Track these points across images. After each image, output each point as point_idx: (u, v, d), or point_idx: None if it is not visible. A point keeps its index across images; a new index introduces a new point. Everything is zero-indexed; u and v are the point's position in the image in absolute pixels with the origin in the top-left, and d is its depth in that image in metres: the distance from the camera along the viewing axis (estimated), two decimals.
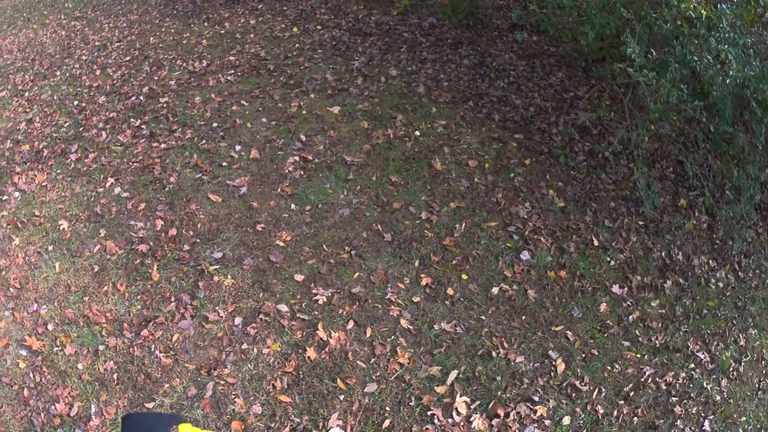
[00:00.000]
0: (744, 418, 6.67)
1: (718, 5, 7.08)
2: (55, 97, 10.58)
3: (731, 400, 6.75)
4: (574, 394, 6.11)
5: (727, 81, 6.87)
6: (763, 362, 7.41)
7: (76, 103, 10.20)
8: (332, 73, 10.25)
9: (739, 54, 7.16)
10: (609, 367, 6.50)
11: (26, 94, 11.00)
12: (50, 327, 6.39)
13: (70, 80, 11.20)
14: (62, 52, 12.89)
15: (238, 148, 8.51)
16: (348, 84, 9.96)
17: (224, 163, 8.27)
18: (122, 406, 5.75)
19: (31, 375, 6.01)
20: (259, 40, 11.64)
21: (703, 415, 6.46)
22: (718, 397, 6.68)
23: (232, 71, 10.45)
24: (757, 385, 7.12)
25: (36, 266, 7.07)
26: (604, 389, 6.24)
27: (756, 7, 7.49)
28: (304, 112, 9.23)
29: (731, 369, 7.06)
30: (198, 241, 7.19)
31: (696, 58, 7.04)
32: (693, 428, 6.29)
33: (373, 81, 10.08)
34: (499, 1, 13.75)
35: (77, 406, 5.77)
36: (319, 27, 12.07)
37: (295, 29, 11.96)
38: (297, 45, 11.33)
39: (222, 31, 12.16)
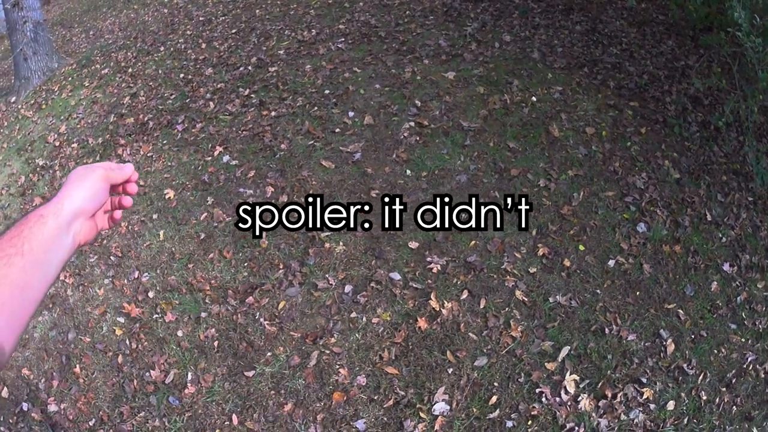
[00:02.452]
0: None
1: None
2: (160, 71, 10.67)
3: None
4: (680, 378, 5.83)
5: None
6: None
7: (182, 75, 10.27)
8: (445, 39, 10.04)
9: None
10: (716, 351, 6.17)
11: (129, 70, 11.15)
12: (151, 294, 6.39)
13: (174, 54, 11.31)
14: (165, 28, 13.07)
15: (351, 114, 8.34)
16: (462, 50, 9.74)
17: (337, 130, 8.13)
18: (221, 374, 5.74)
19: (127, 342, 6.04)
20: (369, 8, 11.51)
21: None
22: None
23: (342, 39, 10.33)
24: None
25: (139, 235, 7.09)
26: (709, 374, 5.92)
27: None
28: (418, 77, 9.05)
29: None
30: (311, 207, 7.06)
31: None
32: None
33: (486, 46, 9.85)
34: None
35: (173, 374, 5.78)
36: None
37: None
38: (407, 12, 11.17)
39: (329, 1, 12.09)
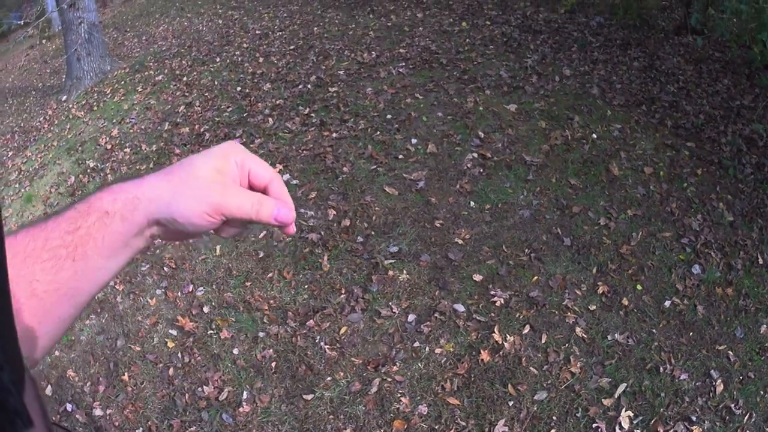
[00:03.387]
0: None
1: None
2: (216, 83, 10.76)
3: None
4: (727, 417, 5.85)
5: None
6: None
7: (239, 89, 10.34)
8: (506, 70, 10.14)
9: None
10: (762, 392, 6.17)
11: (184, 78, 11.27)
12: (206, 309, 6.47)
13: (231, 66, 11.41)
14: (221, 39, 13.22)
15: (414, 141, 8.42)
16: (523, 82, 9.83)
17: (400, 156, 8.19)
18: (278, 395, 5.76)
19: (179, 355, 6.10)
20: (428, 34, 11.61)
21: None
22: None
23: (403, 63, 10.41)
24: None
25: (194, 247, 7.18)
26: (755, 414, 5.94)
27: None
28: (480, 108, 9.10)
29: None
30: (372, 233, 7.14)
31: None
32: None
33: (547, 80, 9.94)
34: (663, 2, 13.69)
35: (227, 391, 5.81)
36: (488, 23, 12.05)
37: (464, 24, 11.93)
38: (467, 40, 11.27)
39: (388, 24, 12.23)
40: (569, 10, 12.54)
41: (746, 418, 5.77)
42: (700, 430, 5.59)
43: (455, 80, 9.79)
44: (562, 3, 12.56)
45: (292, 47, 11.75)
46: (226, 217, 1.13)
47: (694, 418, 5.65)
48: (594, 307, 6.44)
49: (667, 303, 6.66)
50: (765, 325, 6.66)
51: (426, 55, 10.65)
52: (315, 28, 12.64)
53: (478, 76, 9.87)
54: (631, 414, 5.57)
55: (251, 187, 1.20)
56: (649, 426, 5.53)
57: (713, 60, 11.13)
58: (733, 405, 5.83)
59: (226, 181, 1.13)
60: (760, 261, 7.31)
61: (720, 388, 5.96)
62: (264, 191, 1.21)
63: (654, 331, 6.36)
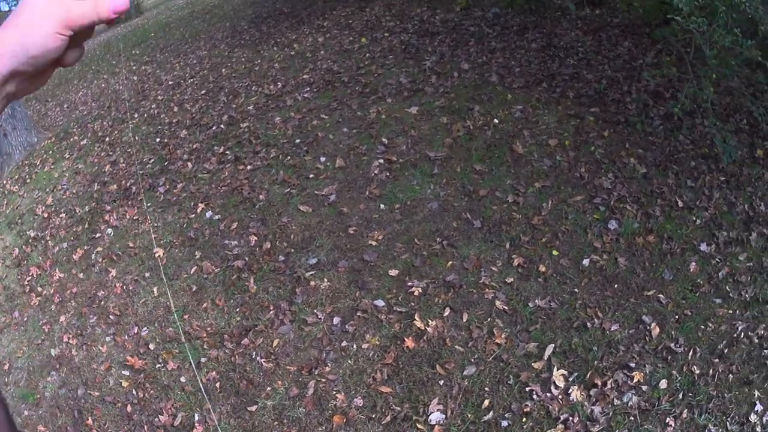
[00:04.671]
0: None
1: None
2: (136, 138, 10.95)
3: None
4: (669, 357, 6.08)
5: None
6: None
7: (158, 140, 10.59)
8: (406, 76, 10.40)
9: None
10: (702, 327, 6.42)
11: (107, 139, 11.48)
12: (152, 346, 6.67)
13: (148, 120, 11.64)
14: (137, 95, 13.41)
15: (323, 159, 8.68)
16: (422, 84, 10.09)
17: (311, 176, 8.47)
18: (226, 412, 5.98)
19: (134, 392, 6.29)
20: (330, 56, 11.88)
21: None
22: None
23: (308, 88, 10.67)
24: None
25: (134, 293, 7.38)
26: (698, 349, 6.17)
27: None
28: (383, 116, 9.39)
29: None
30: (292, 250, 7.37)
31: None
32: None
33: (446, 77, 10.19)
34: None
35: (180, 416, 6.03)
36: (386, 34, 12.29)
37: (363, 40, 12.19)
38: (367, 54, 11.54)
39: (292, 53, 12.49)
40: (465, 7, 12.75)
41: (690, 354, 6.02)
42: (642, 374, 5.80)
43: (357, 95, 10.09)
44: (457, 1, 12.78)
45: (203, 92, 12.03)
46: (73, 31, 1.13)
47: (632, 365, 5.87)
48: (511, 280, 6.68)
49: (586, 262, 6.92)
50: (694, 263, 6.92)
51: (328, 76, 10.94)
52: (223, 70, 12.92)
53: (379, 86, 10.18)
54: (565, 372, 5.78)
55: None
56: (586, 380, 5.73)
57: (612, 26, 11.40)
58: (672, 344, 6.07)
59: None
60: (680, 204, 7.60)
61: (656, 331, 6.20)
62: None
63: (576, 290, 6.61)
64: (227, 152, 9.41)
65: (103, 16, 1.14)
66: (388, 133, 8.96)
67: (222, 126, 10.25)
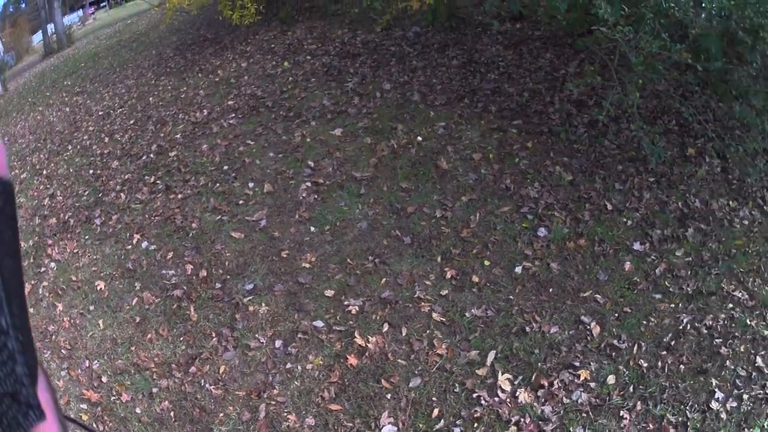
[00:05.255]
0: None
1: None
2: (71, 170, 11.02)
3: None
4: (614, 354, 6.25)
5: (702, 15, 7.10)
6: None
7: (91, 171, 10.63)
8: (329, 98, 10.53)
9: None
10: (644, 322, 6.61)
11: (44, 171, 11.50)
12: (104, 379, 6.69)
13: (81, 151, 11.68)
14: (70, 127, 13.42)
15: (251, 185, 8.84)
16: (345, 106, 10.24)
17: (240, 202, 8.58)
18: None
19: (94, 425, 6.27)
20: (254, 81, 11.97)
21: (753, 352, 6.51)
22: (766, 332, 6.75)
23: (233, 114, 10.79)
24: None
25: (81, 327, 7.41)
26: (643, 343, 6.36)
27: None
28: (308, 140, 9.51)
29: None
30: (228, 277, 7.44)
31: (672, 4, 7.15)
32: (745, 366, 6.35)
33: (369, 98, 10.36)
34: None
35: None
36: (308, 57, 12.39)
37: (286, 64, 12.27)
38: (290, 78, 11.64)
39: (216, 79, 12.56)
40: (385, 27, 12.83)
41: (635, 349, 6.23)
42: (588, 372, 5.99)
43: (282, 119, 10.24)
44: (378, 22, 12.86)
45: (132, 121, 12.07)
46: None
47: (577, 364, 6.06)
48: (446, 292, 6.85)
49: (519, 269, 7.11)
50: (629, 262, 7.17)
51: (253, 101, 11.06)
52: (151, 98, 12.94)
53: (303, 110, 10.32)
54: (510, 376, 5.95)
55: None
56: (532, 382, 5.91)
57: (534, 39, 11.57)
58: (615, 341, 6.29)
59: None
60: (609, 207, 7.86)
61: (596, 330, 6.41)
62: None
63: (511, 297, 6.79)
64: (158, 182, 9.48)
65: None
66: (314, 156, 9.12)
67: (152, 155, 10.32)
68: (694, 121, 8.32)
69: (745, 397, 5.99)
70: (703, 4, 7.01)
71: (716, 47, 7.43)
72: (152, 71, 15.07)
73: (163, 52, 16.81)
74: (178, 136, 10.68)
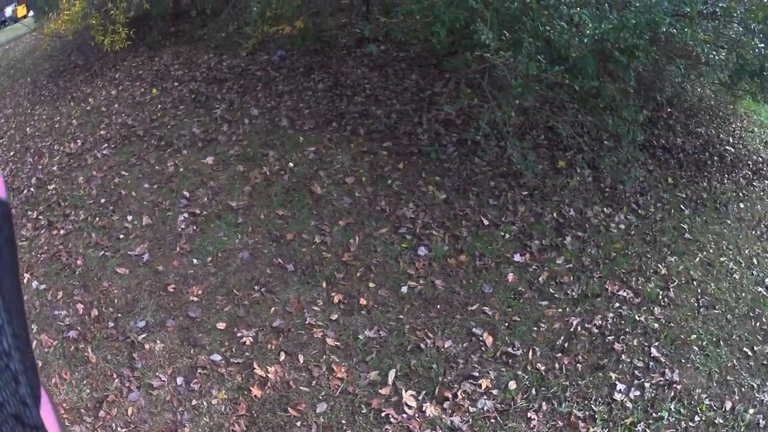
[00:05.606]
0: (694, 336, 7.31)
1: None
2: None
3: (672, 324, 7.39)
4: (510, 360, 6.66)
5: (585, 41, 7.35)
6: (694, 283, 8.12)
7: None
8: (198, 126, 10.61)
9: (594, 12, 7.61)
10: (535, 328, 7.08)
11: None
12: None
13: None
14: None
15: (130, 218, 8.78)
16: (215, 133, 10.34)
17: (121, 236, 8.50)
18: None
19: None
20: (124, 109, 11.87)
21: (646, 344, 7.07)
22: (656, 325, 7.31)
23: (106, 145, 10.71)
24: (696, 304, 7.80)
25: None
26: (537, 348, 6.82)
27: None
28: (181, 169, 9.58)
29: (660, 297, 7.72)
30: (120, 315, 7.35)
31: (549, 28, 7.51)
32: (641, 358, 6.89)
33: (237, 125, 10.47)
34: (342, 20, 14.10)
35: None
36: (176, 83, 12.36)
37: (154, 91, 12.23)
38: (159, 106, 11.62)
39: (88, 108, 12.43)
40: (251, 51, 12.89)
41: (530, 354, 6.70)
42: (488, 380, 6.40)
43: (154, 149, 10.24)
44: (243, 46, 12.90)
45: (12, 153, 11.94)
46: None
47: (476, 374, 6.46)
48: (336, 316, 7.10)
49: (404, 289, 7.44)
50: (511, 273, 7.64)
51: (124, 131, 11.00)
52: (28, 129, 12.79)
53: (174, 138, 10.37)
54: (414, 392, 6.27)
55: None
56: (436, 396, 6.25)
57: (398, 60, 11.92)
58: (510, 349, 6.72)
59: None
60: (486, 222, 8.28)
61: (489, 340, 6.83)
62: None
63: (401, 316, 7.11)
64: (40, 217, 9.37)
65: None
66: (189, 186, 9.18)
67: (32, 189, 10.20)
68: (565, 134, 8.80)
69: (647, 385, 6.51)
70: (587, 31, 7.35)
71: (593, 68, 7.83)
72: (28, 100, 14.86)
73: (37, 79, 16.50)
74: (55, 168, 10.56)
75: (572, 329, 7.13)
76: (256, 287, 7.58)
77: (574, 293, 7.60)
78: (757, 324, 7.90)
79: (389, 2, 9.79)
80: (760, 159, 12.43)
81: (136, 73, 13.49)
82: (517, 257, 8.00)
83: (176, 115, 11.16)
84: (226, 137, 10.20)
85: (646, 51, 8.16)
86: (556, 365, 6.70)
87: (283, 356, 6.74)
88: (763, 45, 8.77)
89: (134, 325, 7.24)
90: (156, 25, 15.13)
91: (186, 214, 8.70)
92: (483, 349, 6.81)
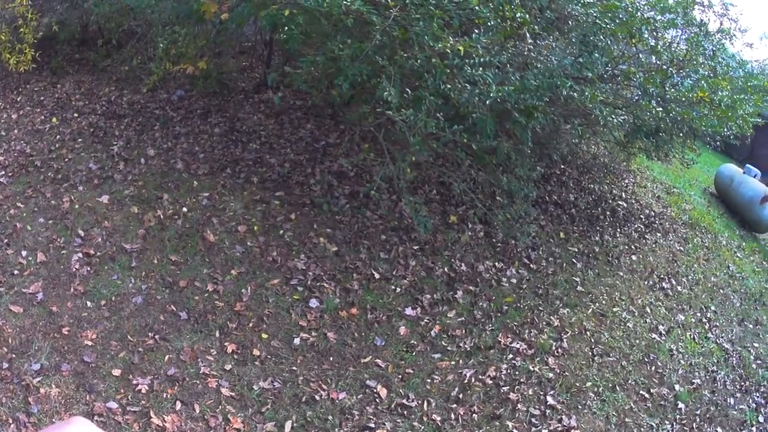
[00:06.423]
0: (589, 383, 7.68)
1: (473, 35, 7.75)
2: None
3: (566, 373, 7.75)
4: (405, 412, 6.86)
5: (488, 102, 7.59)
6: (587, 333, 8.52)
7: None
8: (95, 162, 10.53)
9: (496, 73, 7.90)
10: (429, 380, 7.31)
11: None
12: None
13: None
14: None
15: (24, 253, 8.57)
16: (111, 171, 10.29)
17: (15, 272, 8.25)
18: None
19: None
20: (23, 135, 11.66)
21: (541, 393, 7.39)
22: (551, 375, 7.65)
23: (3, 172, 10.48)
24: (590, 353, 8.18)
25: None
26: (432, 400, 7.05)
27: (512, 24, 8.10)
28: (76, 206, 9.46)
29: (554, 348, 8.09)
30: (14, 356, 7.10)
31: (449, 86, 7.69)
32: (537, 406, 7.21)
33: (134, 164, 10.46)
34: (242, 63, 14.21)
35: None
36: (76, 114, 12.22)
37: (54, 120, 12.06)
38: (58, 136, 11.45)
39: None
40: (151, 88, 12.82)
41: (425, 406, 6.92)
42: (385, 430, 6.56)
43: (50, 182, 10.07)
44: (144, 82, 12.77)
45: None
46: None
47: (372, 425, 6.67)
48: (230, 366, 7.21)
49: (297, 340, 7.60)
50: (403, 327, 7.85)
51: (22, 159, 10.80)
52: None
53: (70, 173, 10.25)
54: None
55: None
56: None
57: (294, 109, 12.07)
58: (404, 400, 6.92)
59: None
60: (377, 275, 8.46)
61: (383, 392, 7.03)
62: None
63: (294, 368, 7.26)
64: None
65: None
66: (83, 224, 9.09)
67: None
68: (459, 190, 9.02)
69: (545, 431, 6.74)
70: (491, 93, 7.56)
71: (491, 127, 8.01)
72: None
73: None
74: None
75: (466, 381, 7.38)
76: (150, 334, 7.58)
77: (466, 346, 7.88)
78: (653, 368, 8.40)
79: (292, 50, 9.79)
80: (653, 213, 13.14)
81: (38, 98, 13.24)
82: (408, 311, 8.23)
83: (74, 148, 11.06)
84: (122, 176, 10.17)
85: (545, 112, 8.51)
86: (452, 416, 6.93)
87: (179, 405, 6.74)
88: (660, 109, 9.32)
89: (29, 367, 7.04)
90: (62, 49, 14.84)
91: (80, 254, 8.59)
92: (377, 401, 6.99)
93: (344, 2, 7.41)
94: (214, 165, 10.54)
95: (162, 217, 9.31)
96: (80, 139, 11.34)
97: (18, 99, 13.42)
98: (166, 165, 10.52)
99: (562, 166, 13.05)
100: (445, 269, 9.03)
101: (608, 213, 12.24)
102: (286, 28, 8.23)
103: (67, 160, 10.72)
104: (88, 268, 8.40)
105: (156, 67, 12.08)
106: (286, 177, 10.28)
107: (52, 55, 14.71)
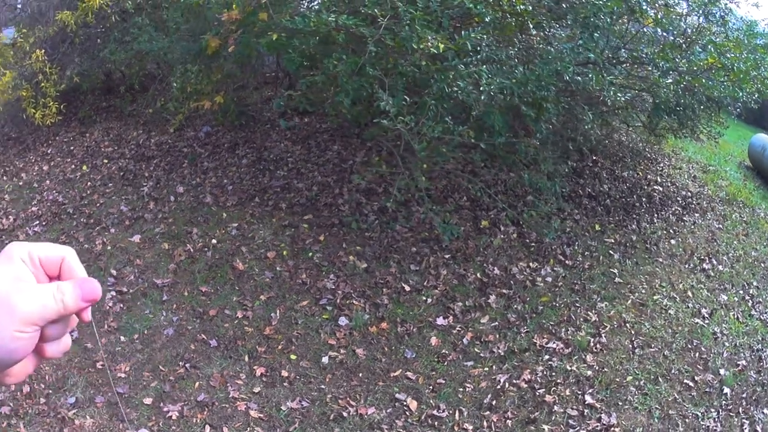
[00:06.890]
0: (630, 377, 7.52)
1: (463, 32, 7.67)
2: None
3: (605, 369, 7.60)
4: (436, 423, 6.83)
5: (482, 97, 7.43)
6: (627, 325, 8.35)
7: None
8: (126, 204, 10.76)
9: (499, 68, 7.79)
10: (461, 389, 7.25)
11: None
12: None
13: None
14: None
15: None
16: (142, 211, 10.50)
17: None
18: None
19: None
20: (55, 185, 11.91)
21: (579, 392, 7.27)
22: (589, 372, 7.53)
23: (37, 222, 10.76)
24: (631, 345, 8.02)
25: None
26: (464, 408, 6.99)
27: (517, 18, 8.04)
28: (109, 247, 9.79)
29: (592, 344, 7.94)
30: (50, 391, 7.30)
31: (455, 88, 7.54)
32: (575, 406, 7.10)
33: (163, 203, 10.66)
34: (267, 94, 14.27)
35: None
36: (105, 160, 12.46)
37: (84, 167, 12.32)
38: (89, 183, 11.72)
39: (20, 183, 12.41)
40: (178, 128, 12.98)
41: (456, 415, 6.84)
42: None
43: (83, 226, 10.35)
44: (170, 123, 13.01)
45: None
46: (38, 326, 1.05)
47: None
48: (258, 389, 7.27)
49: (325, 359, 7.60)
50: (434, 337, 7.78)
51: (55, 207, 11.07)
52: None
53: (102, 216, 10.50)
54: None
55: (50, 278, 1.14)
56: None
57: (321, 132, 12.13)
58: (435, 411, 6.87)
59: (20, 287, 1.04)
60: (407, 288, 8.45)
61: (414, 404, 6.98)
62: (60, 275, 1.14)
63: (323, 386, 7.27)
64: None
65: (70, 307, 1.13)
66: (116, 264, 9.30)
67: None
68: (484, 195, 8.99)
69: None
70: (481, 88, 7.40)
71: (500, 123, 7.94)
72: None
73: None
74: None
75: (500, 386, 7.31)
76: (180, 363, 7.72)
77: (500, 350, 7.80)
78: (696, 354, 8.18)
79: (298, 74, 9.79)
80: (689, 193, 12.86)
81: (68, 148, 13.49)
82: (440, 320, 8.18)
83: (105, 193, 11.42)
84: (152, 215, 10.40)
85: (556, 102, 8.34)
86: (484, 423, 6.87)
87: (208, 429, 6.84)
88: (670, 80, 9.02)
89: (65, 401, 7.21)
90: (87, 99, 15.13)
91: (113, 293, 8.77)
92: (407, 413, 6.97)
93: (330, 19, 7.40)
94: (243, 195, 10.70)
95: (192, 250, 9.51)
96: (111, 184, 11.57)
97: (48, 151, 13.69)
98: (195, 200, 10.77)
99: (594, 158, 12.88)
100: (477, 275, 8.98)
101: (644, 199, 12.00)
102: (288, 52, 8.28)
103: (98, 204, 10.95)
104: (122, 305, 8.60)
105: (174, 106, 12.23)
106: (314, 200, 10.39)
107: (79, 106, 14.99)
